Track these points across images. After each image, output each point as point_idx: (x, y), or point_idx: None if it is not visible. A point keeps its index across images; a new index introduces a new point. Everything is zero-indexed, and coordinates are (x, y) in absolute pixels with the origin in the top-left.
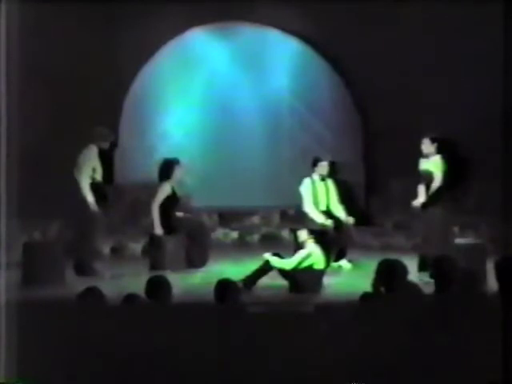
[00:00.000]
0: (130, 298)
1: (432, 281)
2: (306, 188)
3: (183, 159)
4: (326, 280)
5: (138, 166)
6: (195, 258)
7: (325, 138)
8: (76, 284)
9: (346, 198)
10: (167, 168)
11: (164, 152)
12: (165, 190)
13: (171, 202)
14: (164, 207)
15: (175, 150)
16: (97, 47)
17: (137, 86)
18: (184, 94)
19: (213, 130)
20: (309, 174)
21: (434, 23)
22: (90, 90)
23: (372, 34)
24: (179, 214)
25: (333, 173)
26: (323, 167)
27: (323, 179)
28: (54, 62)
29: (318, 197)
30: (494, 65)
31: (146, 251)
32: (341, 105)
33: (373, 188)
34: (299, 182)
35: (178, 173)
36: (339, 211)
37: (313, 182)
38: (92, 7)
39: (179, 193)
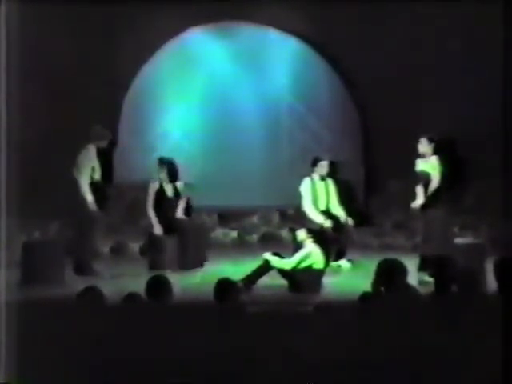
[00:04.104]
0: (131, 298)
1: (431, 281)
2: (305, 188)
3: (182, 159)
4: (326, 280)
5: (138, 166)
6: (194, 258)
7: (324, 138)
8: (75, 283)
9: (345, 197)
10: (157, 167)
11: (163, 151)
12: (152, 188)
13: (161, 198)
14: (157, 205)
15: (174, 149)
16: (97, 47)
17: (136, 85)
18: (183, 94)
19: (212, 130)
20: (308, 174)
21: (434, 23)
22: (89, 89)
23: (372, 34)
24: (181, 213)
25: (333, 173)
26: (323, 167)
27: (323, 179)
28: (54, 62)
29: (318, 197)
30: (494, 65)
31: (143, 251)
32: (340, 105)
33: (372, 188)
34: (298, 182)
35: (160, 171)
36: (339, 211)
37: (313, 182)
38: (92, 7)
39: (169, 190)
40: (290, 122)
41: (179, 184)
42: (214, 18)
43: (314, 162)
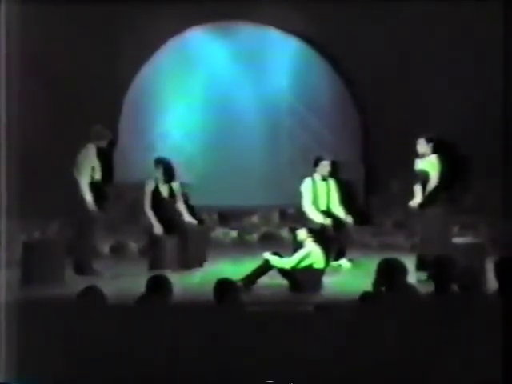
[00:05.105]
0: (144, 298)
1: (430, 280)
2: (306, 187)
3: (183, 158)
4: (326, 279)
5: (138, 166)
6: (194, 258)
7: (324, 138)
8: (75, 283)
9: (345, 197)
10: (153, 167)
11: (163, 151)
12: (148, 188)
13: (157, 198)
14: (154, 205)
15: (174, 149)
16: (97, 47)
17: (136, 85)
18: (184, 93)
19: (212, 129)
20: (308, 174)
21: (434, 23)
22: (89, 89)
23: (372, 33)
24: (187, 216)
25: (334, 172)
26: (325, 166)
27: (325, 179)
28: (54, 62)
29: (319, 196)
30: (494, 65)
31: (143, 251)
32: (341, 105)
33: (372, 187)
34: (299, 182)
35: (156, 171)
36: (339, 211)
37: (314, 182)
38: (92, 7)
39: (164, 190)
40: (290, 121)
41: (175, 184)
42: (214, 18)
43: (316, 162)
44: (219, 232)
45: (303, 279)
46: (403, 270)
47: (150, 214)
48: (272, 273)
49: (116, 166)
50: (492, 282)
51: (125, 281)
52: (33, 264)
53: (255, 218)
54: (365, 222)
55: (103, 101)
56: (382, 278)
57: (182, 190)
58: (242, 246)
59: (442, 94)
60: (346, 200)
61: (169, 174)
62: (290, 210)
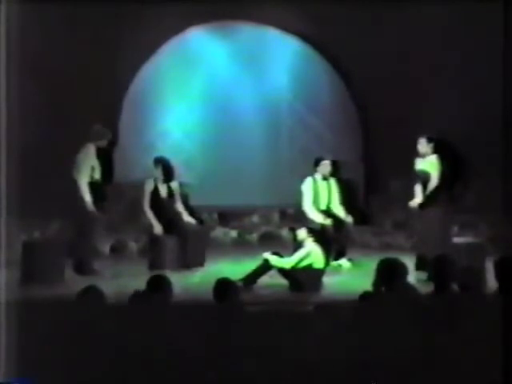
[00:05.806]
0: (137, 295)
1: (430, 280)
2: (307, 187)
3: (182, 158)
4: (326, 279)
5: (138, 165)
6: (194, 257)
7: (324, 138)
8: (75, 283)
9: (345, 197)
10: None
11: (163, 151)
12: (147, 188)
13: (156, 198)
14: (153, 205)
15: (175, 148)
16: (97, 47)
17: (137, 84)
18: (184, 93)
19: (212, 129)
20: (308, 174)
21: (434, 23)
22: (89, 89)
23: (372, 33)
24: (187, 217)
25: (335, 172)
26: (326, 166)
27: (325, 178)
28: (54, 62)
29: (319, 196)
30: (494, 65)
31: (143, 251)
32: (341, 105)
33: (372, 187)
34: (299, 182)
35: (155, 171)
36: (340, 211)
37: (314, 182)
38: (92, 7)
39: (163, 190)
40: (290, 121)
41: (174, 184)
42: (215, 18)
43: (317, 162)
44: (219, 232)
45: (303, 279)
46: (403, 270)
47: (149, 213)
48: (272, 273)
49: (116, 165)
50: (492, 282)
51: (125, 281)
52: (33, 264)
53: (255, 218)
54: (365, 222)
55: (103, 101)
56: (381, 278)
57: (182, 189)
58: (241, 246)
59: (441, 93)
60: (346, 200)
61: (168, 173)
62: (290, 210)
